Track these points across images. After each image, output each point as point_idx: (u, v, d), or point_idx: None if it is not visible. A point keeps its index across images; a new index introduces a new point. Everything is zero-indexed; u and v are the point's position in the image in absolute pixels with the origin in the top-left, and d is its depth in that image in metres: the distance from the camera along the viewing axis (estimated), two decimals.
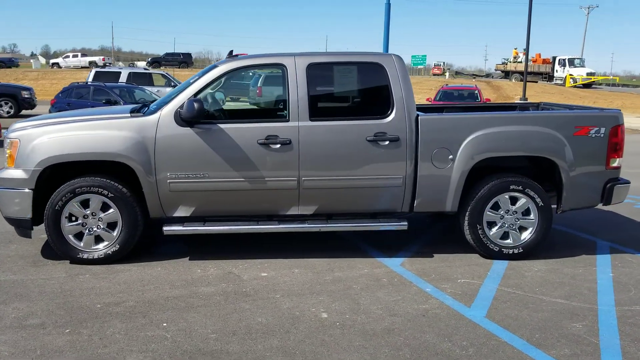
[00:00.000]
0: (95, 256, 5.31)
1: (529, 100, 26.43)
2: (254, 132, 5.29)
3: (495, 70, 65.06)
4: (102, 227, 5.31)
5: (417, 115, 5.46)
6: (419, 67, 69.04)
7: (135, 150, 5.18)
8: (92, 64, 56.43)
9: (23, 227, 5.31)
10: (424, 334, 3.95)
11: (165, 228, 5.37)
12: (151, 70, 25.82)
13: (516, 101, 27.12)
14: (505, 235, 5.67)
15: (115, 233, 5.32)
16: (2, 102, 21.64)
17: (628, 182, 5.84)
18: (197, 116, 5.10)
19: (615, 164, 5.68)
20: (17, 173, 5.19)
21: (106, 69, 26.36)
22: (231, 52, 5.90)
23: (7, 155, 5.27)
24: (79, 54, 59.05)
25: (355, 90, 5.93)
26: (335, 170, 5.38)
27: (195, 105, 5.07)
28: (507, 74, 57.57)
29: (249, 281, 4.95)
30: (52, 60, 59.32)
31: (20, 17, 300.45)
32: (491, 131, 5.48)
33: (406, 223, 5.54)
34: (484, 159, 5.48)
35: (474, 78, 53.30)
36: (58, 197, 5.19)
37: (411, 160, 5.41)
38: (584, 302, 4.58)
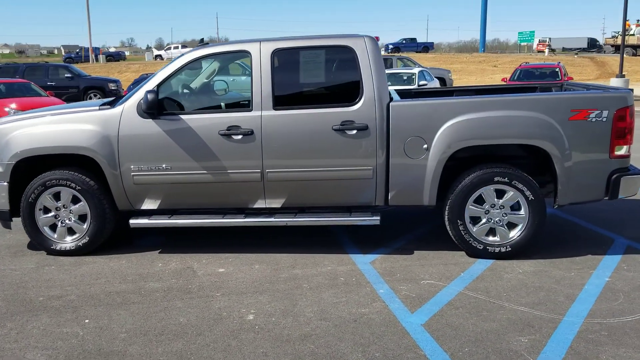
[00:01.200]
0: (67, 247, 5.41)
1: (626, 77, 24.24)
2: (215, 123, 5.13)
3: (605, 44, 60.40)
4: (73, 219, 5.40)
5: (389, 101, 5.05)
6: (526, 44, 65.89)
7: (99, 143, 5.20)
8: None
9: (2, 219, 5.51)
10: (340, 342, 3.63)
11: (131, 221, 5.36)
12: None
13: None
14: (491, 232, 5.13)
15: (85, 225, 5.39)
16: (92, 94, 23.16)
17: (639, 173, 5.08)
18: (151, 107, 5.02)
19: (622, 152, 4.94)
20: None
21: None
22: (202, 39, 5.76)
23: None
24: (180, 46, 61.63)
25: (323, 77, 5.58)
26: (301, 162, 5.10)
27: (149, 96, 4.98)
28: (617, 48, 53.23)
29: (201, 277, 4.82)
30: (155, 53, 62.38)
31: (137, 12, 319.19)
32: (469, 117, 4.95)
33: (379, 218, 5.15)
34: (462, 148, 4.97)
35: (576, 55, 49.72)
36: (31, 189, 5.33)
37: (382, 150, 5.01)
38: (549, 311, 4.02)
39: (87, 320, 4.04)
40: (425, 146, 4.97)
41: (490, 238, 5.12)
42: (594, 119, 4.88)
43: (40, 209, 5.39)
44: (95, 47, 57.80)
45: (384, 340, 3.65)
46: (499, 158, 5.21)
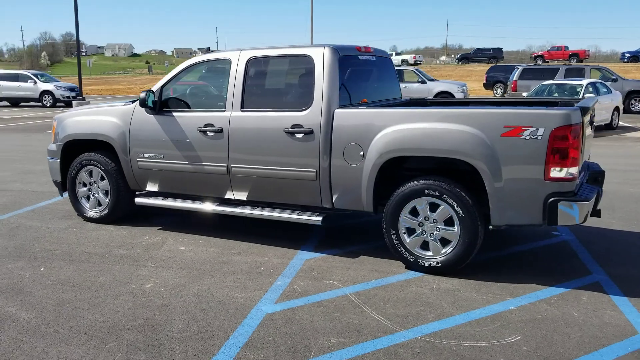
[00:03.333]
0: (94, 216, 6.67)
1: None
2: (197, 121, 5.89)
3: None
4: (100, 193, 6.63)
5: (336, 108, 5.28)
6: None
7: (116, 132, 6.33)
8: (404, 62, 60.21)
9: (58, 188, 6.98)
10: (182, 314, 4.12)
11: (136, 199, 6.40)
12: (403, 68, 26.70)
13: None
14: (426, 245, 5.05)
15: (107, 199, 6.58)
16: None
17: (587, 199, 4.54)
18: (142, 104, 5.96)
19: (560, 175, 4.48)
20: (53, 147, 6.86)
21: None
22: (208, 48, 6.54)
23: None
24: (393, 53, 63.40)
25: (285, 83, 5.94)
26: (258, 160, 5.59)
27: (142, 95, 5.94)
28: None
29: (160, 251, 5.62)
30: None
31: (370, 17, 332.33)
32: (399, 128, 4.95)
33: (321, 218, 5.39)
34: (392, 158, 5.00)
35: None
36: (73, 167, 6.69)
37: (325, 155, 5.27)
38: (398, 325, 3.98)
39: (42, 269, 5.12)
40: (362, 153, 5.11)
41: (423, 251, 5.04)
42: (527, 137, 4.53)
43: (79, 183, 6.73)
44: None
45: (217, 319, 4.05)
46: (444, 171, 5.09)
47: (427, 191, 4.90)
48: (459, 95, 23.75)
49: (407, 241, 5.07)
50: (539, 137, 4.49)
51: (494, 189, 4.65)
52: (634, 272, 5.04)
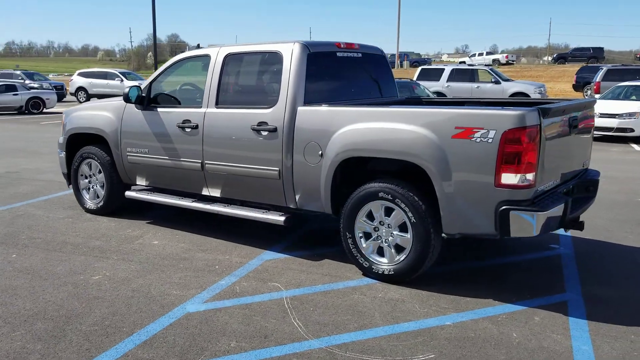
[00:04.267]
0: (92, 207, 6.90)
1: None
2: (177, 116, 5.92)
3: None
4: (98, 185, 6.84)
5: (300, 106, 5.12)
6: None
7: (110, 127, 6.50)
8: (495, 61, 58.23)
9: (66, 180, 7.27)
10: (108, 307, 4.15)
11: (126, 193, 6.54)
12: (477, 67, 25.66)
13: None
14: (381, 252, 4.79)
15: (103, 191, 6.78)
16: None
17: (543, 209, 4.10)
18: (126, 100, 6.07)
19: (513, 181, 4.07)
20: (61, 140, 7.17)
21: (432, 66, 27.57)
22: (198, 45, 6.55)
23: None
24: (484, 53, 61.41)
25: (256, 80, 5.80)
26: (228, 157, 5.53)
27: (125, 90, 6.06)
28: None
29: (132, 244, 5.71)
30: (459, 59, 63.39)
31: (472, 18, 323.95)
32: (354, 127, 4.73)
33: (283, 219, 5.25)
34: (347, 158, 4.78)
35: None
36: (75, 159, 6.95)
37: (288, 154, 5.12)
38: (251, 337, 3.79)
39: (14, 255, 5.34)
40: (320, 152, 4.93)
41: (379, 258, 4.78)
42: (478, 139, 4.17)
43: (81, 175, 6.98)
44: (404, 53, 61.45)
45: (135, 315, 4.04)
46: (404, 174, 4.80)
47: (380, 194, 4.64)
48: (535, 96, 22.55)
49: (363, 246, 4.83)
50: (490, 140, 4.11)
51: (444, 194, 4.32)
52: (611, 294, 4.51)
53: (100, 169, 6.73)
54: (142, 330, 3.81)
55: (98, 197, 6.86)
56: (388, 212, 4.67)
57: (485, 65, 40.83)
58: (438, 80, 23.36)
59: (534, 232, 4.12)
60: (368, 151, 4.66)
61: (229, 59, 5.69)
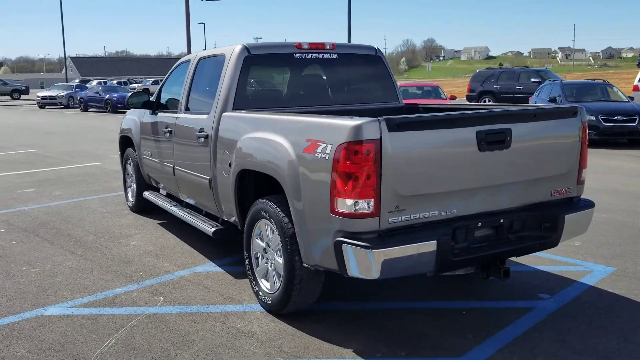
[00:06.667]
0: (129, 204, 7.44)
1: None
2: (165, 122, 6.05)
3: None
4: (134, 185, 7.32)
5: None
6: None
7: (134, 130, 6.93)
8: None
9: None
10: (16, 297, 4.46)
11: (144, 193, 6.87)
12: None
13: None
14: (267, 276, 4.26)
15: (135, 190, 7.26)
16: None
17: (380, 247, 3.19)
18: (126, 106, 6.36)
19: (344, 208, 3.25)
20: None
21: None
22: (204, 49, 6.52)
23: None
24: None
25: (208, 84, 5.44)
26: (185, 163, 5.47)
27: (127, 95, 6.36)
28: None
29: (111, 241, 5.99)
30: None
31: None
32: (246, 137, 4.29)
33: (212, 230, 4.97)
34: (241, 170, 4.35)
35: None
36: (123, 159, 7.56)
37: (214, 162, 4.87)
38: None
39: (14, 243, 6.03)
40: (230, 162, 4.58)
41: (265, 283, 4.27)
42: (319, 155, 3.44)
43: (127, 174, 7.55)
44: None
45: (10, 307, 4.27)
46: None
47: (262, 212, 4.13)
48: None
49: (258, 269, 4.36)
50: (327, 156, 3.37)
51: (296, 217, 3.68)
52: None
53: (134, 169, 7.21)
54: None
55: (133, 196, 7.34)
56: (273, 232, 4.13)
57: None
58: None
59: (374, 273, 3.26)
60: (248, 163, 4.21)
61: (199, 63, 5.61)
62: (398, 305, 4.32)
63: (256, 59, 4.94)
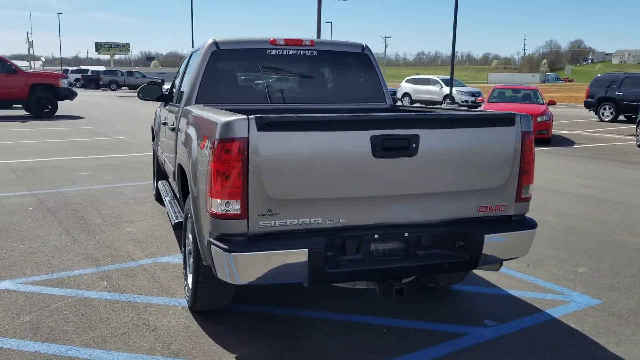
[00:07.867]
0: (154, 193, 7.74)
1: None
2: (163, 115, 6.23)
3: None
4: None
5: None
6: None
7: (155, 122, 7.21)
8: None
9: None
10: None
11: (158, 183, 7.12)
12: None
13: None
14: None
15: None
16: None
17: (242, 250, 3.04)
18: (138, 95, 6.59)
19: (216, 209, 3.14)
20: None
21: None
22: None
23: None
24: None
25: (188, 79, 5.42)
26: (170, 155, 5.60)
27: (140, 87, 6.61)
28: None
29: (111, 227, 6.28)
30: None
31: None
32: (184, 132, 4.28)
33: (176, 221, 5.01)
34: (179, 163, 4.36)
35: None
36: (153, 149, 7.89)
37: (176, 155, 4.94)
38: None
39: (29, 220, 6.51)
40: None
41: (190, 280, 4.23)
42: (206, 152, 3.35)
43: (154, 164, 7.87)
44: None
45: None
46: None
47: (186, 207, 4.12)
48: None
49: (188, 264, 4.34)
50: (207, 153, 3.29)
51: (195, 216, 3.63)
52: None
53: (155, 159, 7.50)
54: None
55: (155, 185, 7.64)
56: None
57: None
58: None
59: (236, 278, 3.14)
60: (179, 158, 4.21)
61: (191, 57, 5.69)
62: (320, 316, 4.10)
63: (225, 54, 4.92)
